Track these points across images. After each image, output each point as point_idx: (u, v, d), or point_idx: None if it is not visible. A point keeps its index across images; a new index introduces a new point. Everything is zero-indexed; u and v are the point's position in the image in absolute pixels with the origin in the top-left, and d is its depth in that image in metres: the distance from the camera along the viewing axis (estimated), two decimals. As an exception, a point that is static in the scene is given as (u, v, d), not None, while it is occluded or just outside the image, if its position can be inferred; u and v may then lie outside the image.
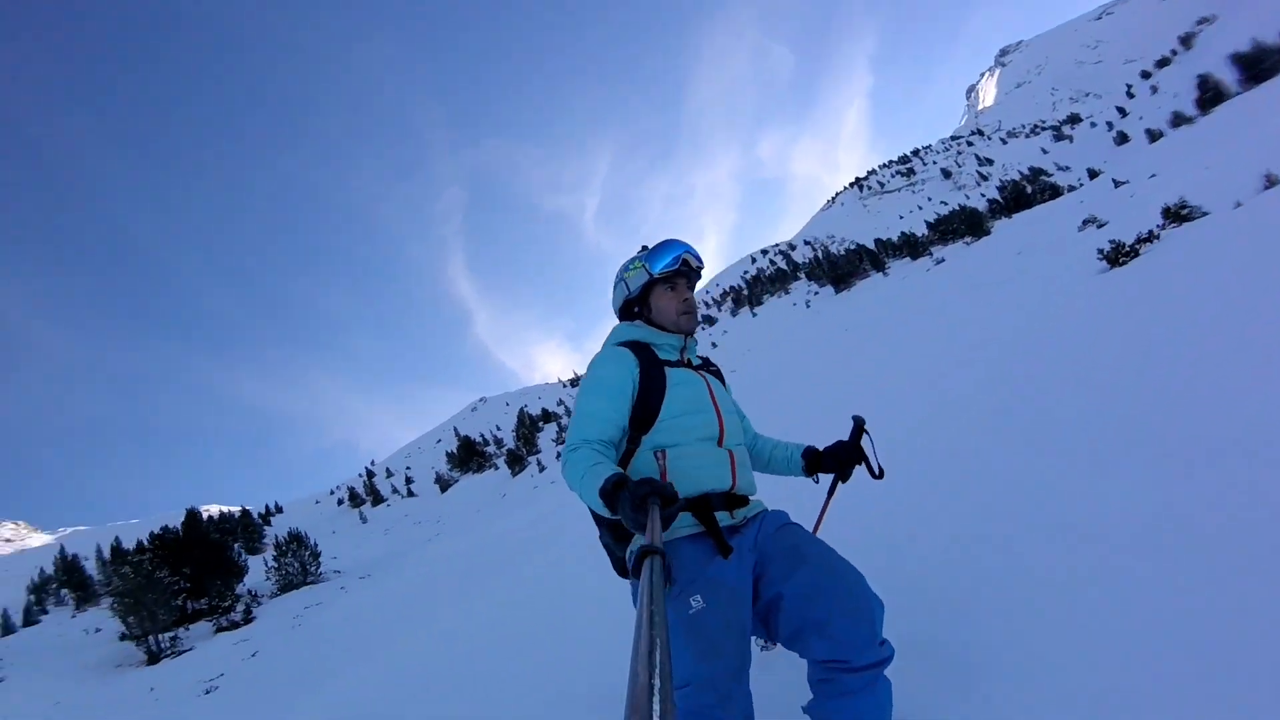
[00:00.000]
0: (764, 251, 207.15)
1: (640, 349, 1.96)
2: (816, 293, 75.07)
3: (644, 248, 2.10)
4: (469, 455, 68.18)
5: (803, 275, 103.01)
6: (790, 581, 1.66)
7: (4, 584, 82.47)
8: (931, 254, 49.47)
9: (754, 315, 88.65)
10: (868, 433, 2.11)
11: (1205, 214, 10.16)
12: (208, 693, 12.87)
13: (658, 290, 2.06)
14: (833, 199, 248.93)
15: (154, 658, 18.94)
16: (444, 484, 62.54)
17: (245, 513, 65.66)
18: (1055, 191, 58.89)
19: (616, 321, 2.22)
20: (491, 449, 75.90)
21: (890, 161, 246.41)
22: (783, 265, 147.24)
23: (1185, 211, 10.71)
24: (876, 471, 2.09)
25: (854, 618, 1.57)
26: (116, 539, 65.49)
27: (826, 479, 2.27)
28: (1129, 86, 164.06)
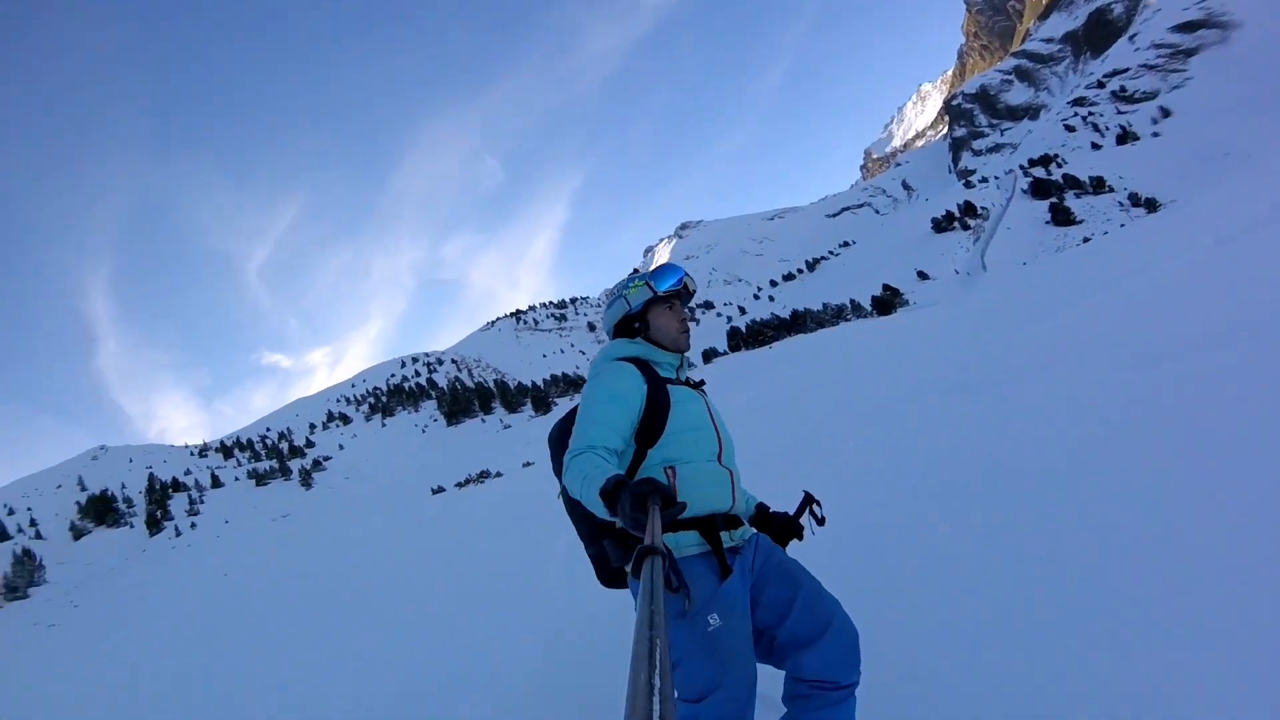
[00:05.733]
0: (414, 359, 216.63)
1: (642, 365, 2.00)
2: (435, 420, 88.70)
3: (635, 271, 4.34)
4: (104, 508, 71.78)
5: (434, 397, 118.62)
6: (787, 603, 1.82)
7: None
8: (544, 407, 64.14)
9: (383, 425, 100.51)
10: (813, 510, 2.14)
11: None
12: None
13: (658, 309, 2.13)
14: (492, 323, 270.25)
15: None
16: (78, 532, 66.19)
17: None
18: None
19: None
20: (122, 506, 77.24)
21: (549, 303, 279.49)
22: (424, 380, 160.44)
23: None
24: (812, 527, 2.14)
25: (843, 642, 1.76)
26: None
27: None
28: (757, 290, 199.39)
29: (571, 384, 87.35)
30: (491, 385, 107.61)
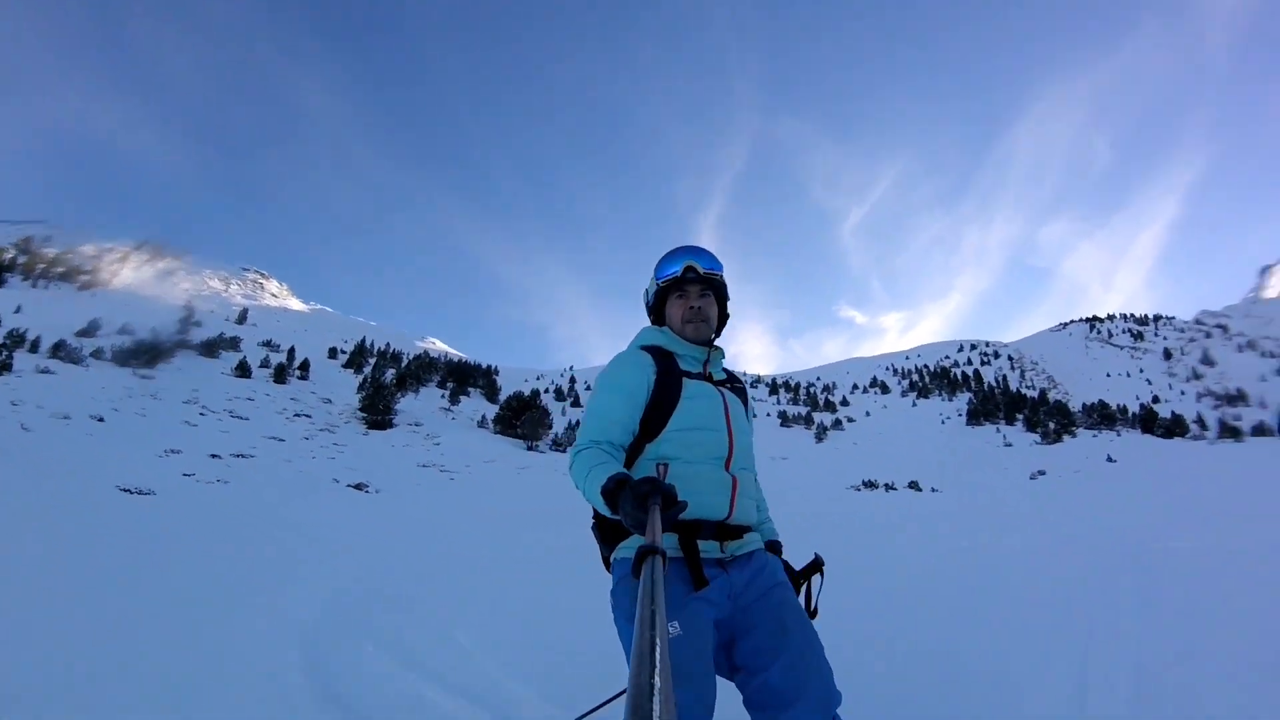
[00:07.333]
0: (973, 345, 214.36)
1: (661, 355, 1.94)
2: (960, 415, 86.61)
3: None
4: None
5: (971, 390, 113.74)
6: (770, 656, 1.64)
7: (302, 335, 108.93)
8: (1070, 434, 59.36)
9: (914, 405, 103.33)
10: (822, 574, 1.98)
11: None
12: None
13: (670, 299, 2.04)
14: (1064, 324, 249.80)
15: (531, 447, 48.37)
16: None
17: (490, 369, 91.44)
18: (1175, 430, 66.58)
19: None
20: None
21: (1129, 315, 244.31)
22: (972, 370, 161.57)
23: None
24: (812, 609, 1.93)
25: (818, 709, 1.58)
26: (364, 336, 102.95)
27: None
28: None
29: (1106, 416, 76.44)
30: (1035, 394, 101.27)
